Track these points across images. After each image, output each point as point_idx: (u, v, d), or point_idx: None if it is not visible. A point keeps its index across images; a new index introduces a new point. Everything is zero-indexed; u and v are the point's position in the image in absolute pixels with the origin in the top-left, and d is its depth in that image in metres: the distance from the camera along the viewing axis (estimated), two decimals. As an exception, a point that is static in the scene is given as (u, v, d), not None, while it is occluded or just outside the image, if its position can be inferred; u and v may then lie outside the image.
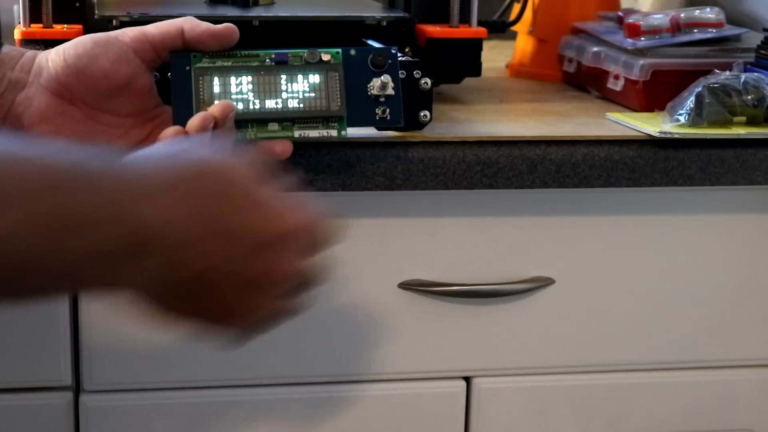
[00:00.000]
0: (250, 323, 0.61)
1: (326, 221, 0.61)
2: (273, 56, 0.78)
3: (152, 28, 0.77)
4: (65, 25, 0.91)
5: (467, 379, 0.94)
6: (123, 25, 0.87)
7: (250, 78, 0.77)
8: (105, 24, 0.89)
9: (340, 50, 0.78)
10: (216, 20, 0.84)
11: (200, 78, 0.76)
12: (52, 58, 0.75)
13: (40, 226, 0.50)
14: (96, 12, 0.90)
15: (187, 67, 0.76)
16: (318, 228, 0.60)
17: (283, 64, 0.78)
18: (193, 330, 0.60)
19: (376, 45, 0.88)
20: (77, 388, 0.89)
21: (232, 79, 0.77)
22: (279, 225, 0.58)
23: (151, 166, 0.55)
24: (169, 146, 0.60)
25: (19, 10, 0.89)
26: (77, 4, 0.94)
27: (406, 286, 0.90)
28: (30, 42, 0.88)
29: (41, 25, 0.90)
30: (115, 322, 0.87)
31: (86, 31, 0.91)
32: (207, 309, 0.58)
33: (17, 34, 0.89)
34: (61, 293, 0.55)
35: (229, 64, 0.77)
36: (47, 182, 0.51)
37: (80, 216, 0.51)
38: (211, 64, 0.77)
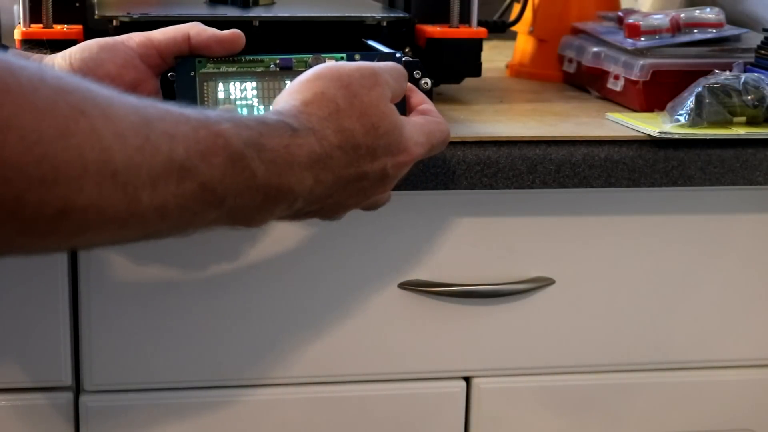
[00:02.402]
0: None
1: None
2: (277, 62, 0.78)
3: (158, 34, 0.77)
4: (65, 26, 0.91)
5: (467, 379, 0.94)
6: (123, 25, 0.87)
7: (254, 83, 0.77)
8: (105, 24, 0.89)
9: (344, 55, 0.78)
10: (216, 21, 0.84)
11: (205, 83, 0.76)
12: (57, 63, 0.75)
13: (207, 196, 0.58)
14: (96, 12, 0.90)
15: (192, 73, 0.76)
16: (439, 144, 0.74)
17: (287, 70, 0.78)
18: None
19: (379, 47, 0.88)
20: (77, 388, 0.89)
21: (237, 84, 0.77)
22: (401, 159, 0.69)
23: (308, 133, 0.64)
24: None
25: (19, 10, 0.89)
26: (77, 4, 0.94)
27: (406, 286, 0.90)
28: (30, 42, 0.88)
29: (41, 26, 0.90)
30: (115, 322, 0.87)
31: (86, 31, 0.91)
32: (319, 215, 0.70)
33: (17, 34, 0.89)
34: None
35: (234, 69, 0.77)
36: (228, 160, 0.58)
37: (247, 187, 0.60)
38: (215, 70, 0.77)
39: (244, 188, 0.59)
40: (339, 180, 0.66)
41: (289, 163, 0.62)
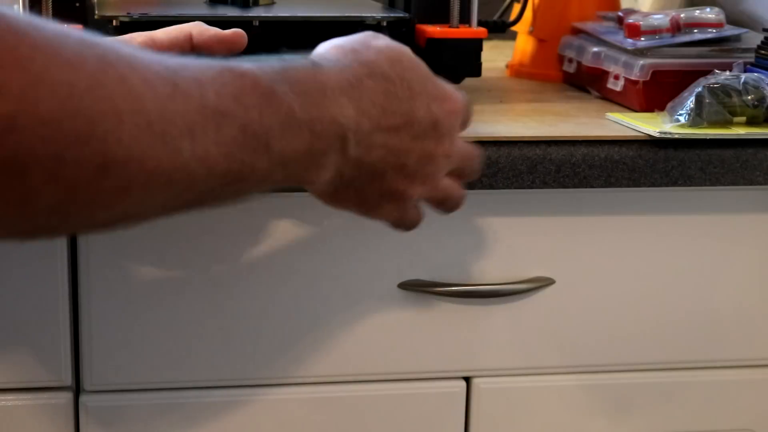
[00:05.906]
0: (412, 209, 0.70)
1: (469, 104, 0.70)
2: None
3: (160, 34, 0.76)
4: (65, 26, 0.91)
5: (467, 379, 0.94)
6: (123, 24, 0.87)
7: None
8: (105, 24, 0.89)
9: None
10: (216, 20, 0.84)
11: None
12: None
13: (247, 140, 0.55)
14: (96, 12, 0.90)
15: None
16: (467, 108, 0.70)
17: None
18: (360, 215, 0.68)
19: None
20: (77, 388, 0.89)
21: None
22: (448, 106, 0.66)
23: (332, 65, 0.62)
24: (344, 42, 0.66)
25: (19, 10, 0.89)
26: (77, 4, 0.94)
27: (406, 286, 0.90)
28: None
29: (41, 25, 0.90)
30: (115, 322, 0.87)
31: (86, 31, 0.91)
32: (372, 195, 0.66)
33: (17, 34, 0.89)
34: (255, 192, 0.61)
35: None
36: (255, 96, 0.56)
37: (278, 124, 0.57)
38: None
39: (286, 127, 0.57)
40: (384, 113, 0.63)
41: (321, 91, 0.60)
